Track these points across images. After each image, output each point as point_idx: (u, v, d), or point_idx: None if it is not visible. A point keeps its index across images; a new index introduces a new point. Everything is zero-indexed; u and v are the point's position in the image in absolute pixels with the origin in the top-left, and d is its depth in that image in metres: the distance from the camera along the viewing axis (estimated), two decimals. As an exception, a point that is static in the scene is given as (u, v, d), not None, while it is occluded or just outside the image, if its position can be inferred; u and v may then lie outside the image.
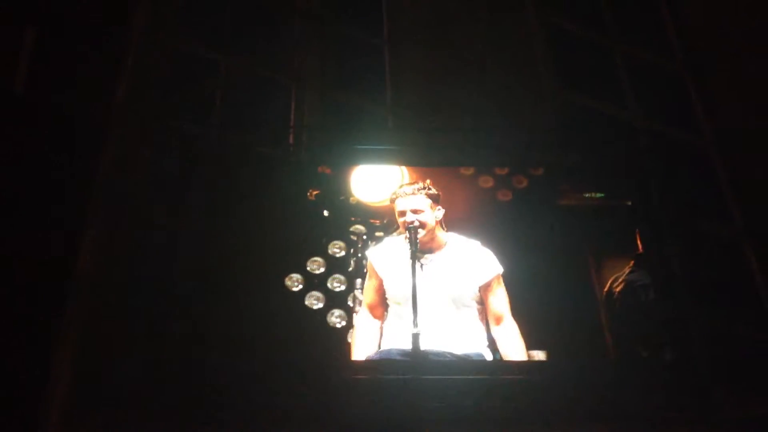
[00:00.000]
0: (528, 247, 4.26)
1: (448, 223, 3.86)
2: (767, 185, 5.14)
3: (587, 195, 4.67)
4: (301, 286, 4.30)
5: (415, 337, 3.28)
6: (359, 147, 4.72)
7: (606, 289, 4.41)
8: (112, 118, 4.70)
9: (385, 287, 3.76)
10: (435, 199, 3.75)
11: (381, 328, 3.77)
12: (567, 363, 3.94)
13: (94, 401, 3.53)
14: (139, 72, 5.01)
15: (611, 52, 6.17)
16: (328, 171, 4.60)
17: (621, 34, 6.30)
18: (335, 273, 4.36)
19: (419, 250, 3.64)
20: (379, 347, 3.70)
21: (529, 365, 3.72)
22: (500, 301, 3.71)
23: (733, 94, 5.79)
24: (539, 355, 3.87)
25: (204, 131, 5.17)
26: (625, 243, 4.42)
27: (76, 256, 4.17)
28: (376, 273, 3.80)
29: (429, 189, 3.75)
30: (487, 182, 4.66)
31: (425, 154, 4.78)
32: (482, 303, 3.73)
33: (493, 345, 3.70)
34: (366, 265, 4.04)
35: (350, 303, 4.26)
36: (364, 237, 4.44)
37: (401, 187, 3.80)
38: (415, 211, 3.66)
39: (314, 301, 4.28)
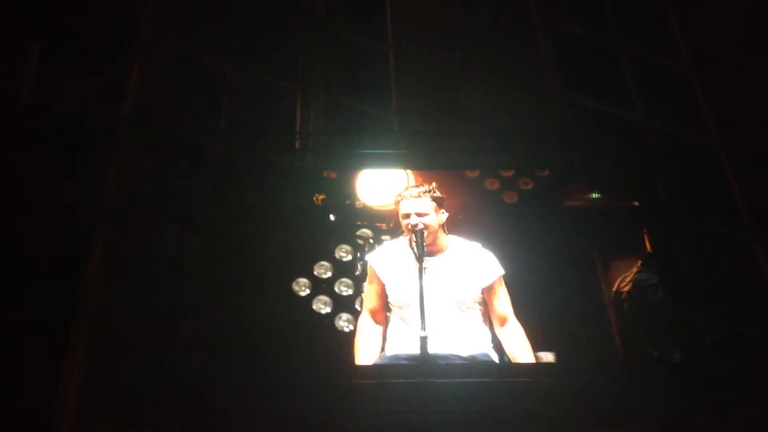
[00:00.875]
0: (535, 249, 4.25)
1: (455, 226, 3.85)
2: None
3: (593, 196, 4.66)
4: (308, 291, 4.30)
5: (423, 341, 3.25)
6: (365, 151, 4.72)
7: (614, 289, 4.39)
8: (119, 126, 4.73)
9: (387, 291, 3.75)
10: (439, 203, 3.74)
11: (383, 332, 3.76)
12: (576, 365, 3.92)
13: (104, 405, 3.54)
14: (144, 81, 5.03)
15: (616, 53, 6.15)
16: (333, 176, 4.61)
17: (626, 34, 6.28)
18: (342, 277, 4.37)
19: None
20: (383, 352, 3.69)
21: (538, 367, 3.71)
22: (503, 302, 3.70)
23: (740, 93, 5.77)
24: (548, 357, 3.86)
25: (210, 138, 5.18)
26: (632, 243, 4.41)
27: (85, 263, 4.20)
28: (377, 277, 3.78)
29: (434, 192, 3.75)
30: (493, 184, 4.66)
31: (430, 158, 4.78)
32: (485, 305, 3.72)
33: (498, 346, 3.69)
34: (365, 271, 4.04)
35: (358, 307, 4.26)
36: (371, 241, 4.44)
37: (406, 189, 3.80)
38: (419, 214, 3.65)
39: (322, 305, 4.29)
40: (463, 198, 4.36)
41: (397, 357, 3.58)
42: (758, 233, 4.93)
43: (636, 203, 4.51)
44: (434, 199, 3.72)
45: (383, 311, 3.78)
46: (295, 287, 4.29)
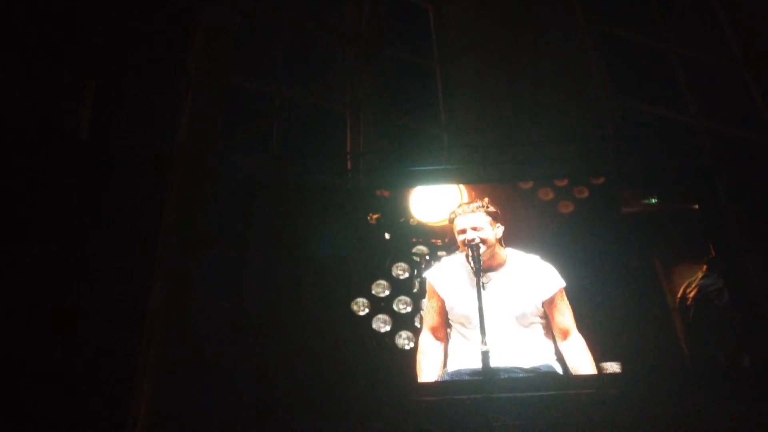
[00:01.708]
0: (594, 258, 4.19)
1: (509, 239, 3.82)
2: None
3: (651, 201, 4.58)
4: (367, 310, 4.31)
5: (485, 355, 3.24)
6: (416, 169, 4.73)
7: (679, 295, 4.30)
8: (175, 156, 4.83)
9: (447, 308, 3.74)
10: (494, 217, 3.73)
11: (445, 349, 3.74)
12: (641, 374, 3.85)
13: (172, 429, 3.61)
14: (197, 109, 5.15)
15: (665, 54, 6.07)
16: (386, 194, 4.62)
17: (674, 35, 6.20)
18: (400, 295, 4.36)
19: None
20: (445, 368, 3.68)
21: (603, 378, 3.64)
22: (565, 315, 3.65)
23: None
24: (613, 367, 3.79)
25: (263, 162, 5.26)
26: (694, 248, 4.32)
27: (149, 290, 4.30)
28: (437, 294, 3.77)
29: (488, 207, 3.73)
30: (547, 194, 4.59)
31: (482, 172, 4.77)
32: (546, 318, 3.68)
33: (562, 359, 3.64)
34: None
35: (417, 324, 4.25)
36: (427, 257, 4.43)
37: (460, 206, 3.79)
38: (475, 229, 3.65)
39: (381, 324, 4.29)
40: (518, 210, 4.32)
41: (459, 373, 3.56)
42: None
43: (695, 207, 4.42)
44: (489, 213, 3.71)
45: (444, 328, 3.77)
46: (354, 307, 4.30)
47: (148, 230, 4.46)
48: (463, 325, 3.66)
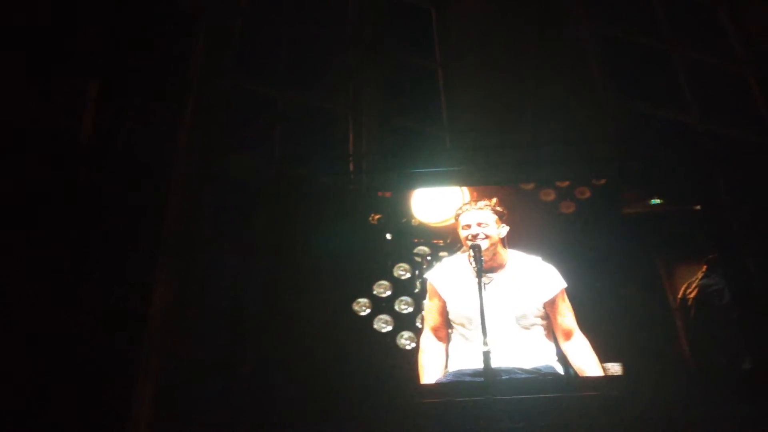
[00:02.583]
0: (595, 258, 4.18)
1: (511, 240, 3.82)
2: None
3: (652, 202, 4.58)
4: (369, 311, 4.31)
5: (486, 355, 3.23)
6: (418, 170, 4.74)
7: (679, 295, 4.30)
8: (176, 159, 4.85)
9: (448, 308, 3.73)
10: (500, 216, 3.73)
11: (446, 349, 3.74)
12: (643, 375, 3.84)
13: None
14: (198, 112, 5.16)
15: (667, 55, 6.07)
16: (388, 195, 4.62)
17: (677, 37, 6.20)
18: (402, 295, 4.36)
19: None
20: (446, 369, 3.68)
21: (605, 380, 3.63)
22: (566, 316, 3.64)
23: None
24: (615, 368, 3.78)
25: (265, 165, 5.27)
26: (695, 248, 4.32)
27: (150, 294, 4.31)
28: (438, 294, 3.77)
29: (495, 206, 3.75)
30: (548, 195, 4.60)
31: (484, 173, 4.77)
32: (548, 319, 3.67)
33: (563, 359, 3.64)
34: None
35: (419, 324, 4.25)
36: (428, 258, 4.43)
37: (467, 203, 3.80)
38: (480, 225, 3.65)
39: (383, 324, 4.29)
40: (519, 210, 4.32)
41: (460, 373, 3.56)
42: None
43: (696, 208, 4.42)
44: (495, 212, 3.72)
45: (445, 328, 3.76)
46: (356, 307, 4.30)
47: (149, 232, 4.47)
48: (463, 325, 3.66)
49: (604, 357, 3.65)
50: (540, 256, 3.77)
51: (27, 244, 4.14)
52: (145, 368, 4.07)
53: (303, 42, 6.08)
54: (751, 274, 4.10)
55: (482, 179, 4.73)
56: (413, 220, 4.55)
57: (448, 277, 3.78)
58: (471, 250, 3.60)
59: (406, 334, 4.27)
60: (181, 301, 4.38)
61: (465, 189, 4.54)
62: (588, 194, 4.58)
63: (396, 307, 4.34)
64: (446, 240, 4.42)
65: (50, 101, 4.61)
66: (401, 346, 4.25)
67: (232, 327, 4.16)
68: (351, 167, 5.34)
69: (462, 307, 3.65)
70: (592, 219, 4.48)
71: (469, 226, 3.67)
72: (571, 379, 3.57)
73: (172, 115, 5.01)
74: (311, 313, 4.11)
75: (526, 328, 3.61)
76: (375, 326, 4.28)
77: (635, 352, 3.95)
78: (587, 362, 3.56)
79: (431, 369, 3.68)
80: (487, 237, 3.62)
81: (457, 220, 3.77)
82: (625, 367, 3.83)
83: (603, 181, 4.61)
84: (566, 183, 4.63)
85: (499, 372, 3.37)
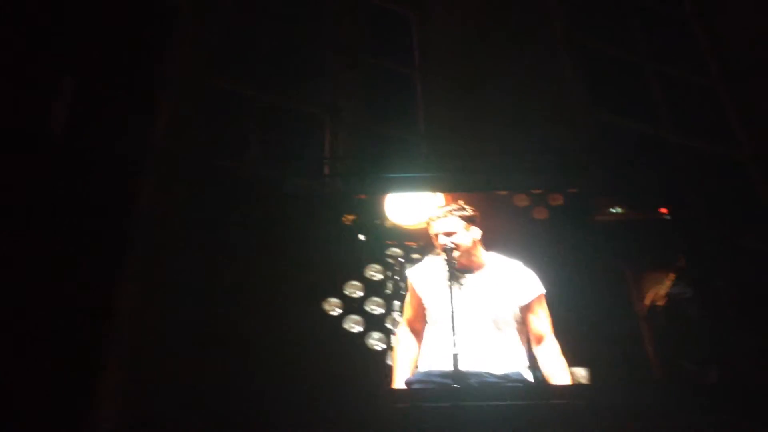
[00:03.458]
0: (566, 264, 4.21)
1: (488, 243, 3.83)
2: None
3: (622, 210, 4.62)
4: (339, 311, 4.30)
5: (455, 357, 3.25)
6: (394, 175, 4.74)
7: (647, 303, 4.33)
8: (150, 157, 4.81)
9: (425, 305, 3.75)
10: (469, 220, 3.74)
11: (420, 345, 3.75)
12: (610, 382, 3.87)
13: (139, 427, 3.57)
14: (174, 111, 5.13)
15: (641, 69, 6.15)
16: (363, 196, 4.63)
17: (651, 50, 6.28)
18: (373, 296, 4.36)
19: (458, 270, 3.65)
20: (417, 367, 3.68)
21: (572, 389, 3.64)
22: (542, 321, 3.66)
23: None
24: (581, 372, 3.81)
25: (240, 165, 5.25)
26: (663, 257, 4.36)
27: (118, 291, 4.26)
28: (415, 292, 3.80)
29: (462, 210, 3.75)
30: (522, 201, 4.63)
31: (459, 180, 4.79)
32: (523, 323, 3.68)
33: (533, 364, 3.65)
34: (404, 286, 4.04)
35: (389, 325, 4.25)
36: (401, 260, 4.43)
37: (435, 212, 3.81)
38: (447, 234, 3.67)
39: (353, 324, 4.28)
40: (493, 215, 4.34)
41: (429, 374, 3.57)
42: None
43: (666, 216, 4.47)
44: (463, 217, 3.73)
45: (420, 325, 3.78)
46: (326, 307, 4.29)
47: (118, 232, 4.42)
48: (436, 325, 3.67)
49: (571, 361, 3.67)
50: (521, 261, 3.78)
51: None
52: (111, 371, 4.02)
53: (282, 43, 6.07)
54: (718, 284, 4.14)
55: (457, 186, 4.74)
56: (386, 222, 4.55)
57: (426, 276, 3.81)
58: (444, 253, 3.62)
59: (375, 335, 4.26)
60: (149, 299, 4.34)
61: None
62: (560, 201, 4.61)
63: (366, 308, 4.33)
64: (419, 242, 4.42)
65: (23, 97, 4.56)
66: (370, 347, 4.24)
67: (201, 326, 4.12)
68: (326, 170, 5.34)
69: (436, 306, 3.68)
70: (565, 225, 4.52)
71: (437, 236, 3.69)
72: (540, 387, 3.58)
73: (147, 113, 4.97)
74: (281, 310, 4.09)
75: (500, 330, 3.62)
76: (345, 326, 4.27)
77: (603, 359, 3.97)
78: (556, 367, 3.58)
79: (403, 361, 3.72)
80: (456, 246, 3.64)
81: (429, 227, 3.79)
82: (591, 374, 3.86)
83: (575, 190, 4.65)
84: (539, 190, 4.66)
85: (467, 375, 3.37)
